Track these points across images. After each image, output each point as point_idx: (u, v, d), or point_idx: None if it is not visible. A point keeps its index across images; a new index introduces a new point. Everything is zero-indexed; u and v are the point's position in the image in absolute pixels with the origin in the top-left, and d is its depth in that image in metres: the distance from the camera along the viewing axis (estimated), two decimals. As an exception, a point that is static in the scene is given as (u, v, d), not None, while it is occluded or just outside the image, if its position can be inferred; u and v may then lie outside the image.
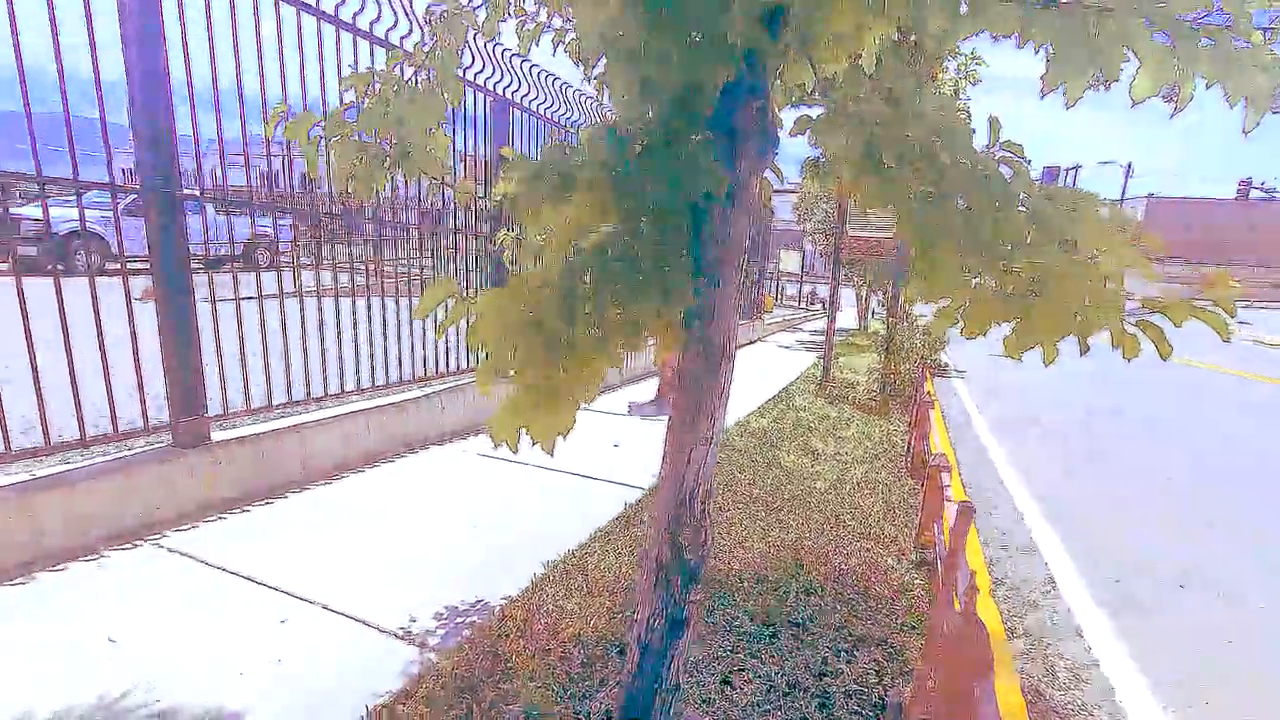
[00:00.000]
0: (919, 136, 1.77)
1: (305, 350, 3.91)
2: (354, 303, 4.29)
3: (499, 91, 5.22)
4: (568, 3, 1.49)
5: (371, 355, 4.42)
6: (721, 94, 1.67)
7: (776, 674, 2.33)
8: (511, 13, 2.16)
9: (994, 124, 1.69)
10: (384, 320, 4.46)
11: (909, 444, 5.21)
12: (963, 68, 4.25)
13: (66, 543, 2.82)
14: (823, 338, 13.54)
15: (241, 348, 3.57)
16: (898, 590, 3.06)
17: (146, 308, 3.15)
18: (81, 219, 2.75)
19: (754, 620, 2.68)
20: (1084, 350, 1.61)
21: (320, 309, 3.99)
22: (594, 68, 2.00)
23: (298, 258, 4.18)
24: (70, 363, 2.84)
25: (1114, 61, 1.45)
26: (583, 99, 6.24)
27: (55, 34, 2.61)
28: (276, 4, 3.43)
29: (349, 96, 1.98)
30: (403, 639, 2.42)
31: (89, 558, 2.84)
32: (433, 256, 5.06)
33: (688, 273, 1.68)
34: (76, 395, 2.91)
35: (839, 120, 1.79)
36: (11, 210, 9.56)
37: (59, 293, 2.80)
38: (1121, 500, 4.77)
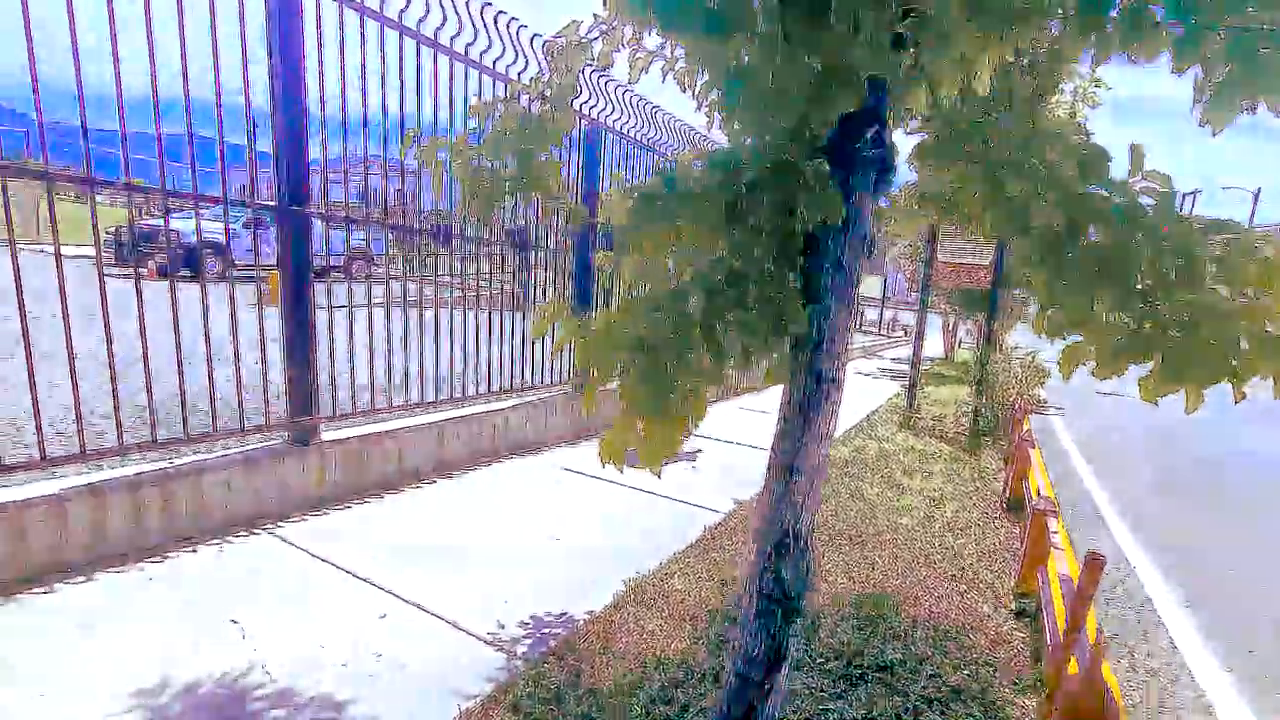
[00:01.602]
0: (1047, 164, 1.70)
1: (407, 358, 4.14)
2: (452, 315, 4.51)
3: (590, 114, 5.39)
4: (693, 39, 1.53)
5: (465, 365, 4.62)
6: (839, 121, 1.66)
7: (863, 719, 2.23)
8: (624, 43, 2.24)
9: (1136, 152, 1.59)
10: (476, 332, 4.66)
11: (1006, 484, 4.91)
12: (1081, 90, 3.99)
13: (195, 526, 3.09)
14: (905, 366, 12.99)
15: (350, 354, 3.82)
16: (995, 641, 2.87)
17: (257, 313, 3.42)
18: (226, 231, 3.05)
19: (839, 659, 2.58)
20: (1239, 398, 1.48)
21: (421, 319, 4.22)
22: (706, 96, 2.04)
23: (392, 270, 4.44)
24: (209, 362, 3.13)
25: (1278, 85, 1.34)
26: (672, 122, 6.35)
27: (219, 83, 2.93)
28: (400, 39, 3.70)
29: (472, 123, 2.11)
30: (491, 645, 2.49)
31: (213, 542, 3.10)
32: (519, 273, 5.24)
33: (799, 300, 1.67)
34: (212, 392, 3.20)
35: (960, 147, 1.74)
36: (150, 223, 10.59)
37: (204, 298, 3.10)
38: (1252, 557, 4.28)
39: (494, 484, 4.38)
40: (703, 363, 1.61)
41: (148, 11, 2.69)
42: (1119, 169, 1.61)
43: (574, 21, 2.09)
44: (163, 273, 10.13)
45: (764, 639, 1.55)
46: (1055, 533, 3.00)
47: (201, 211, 3.10)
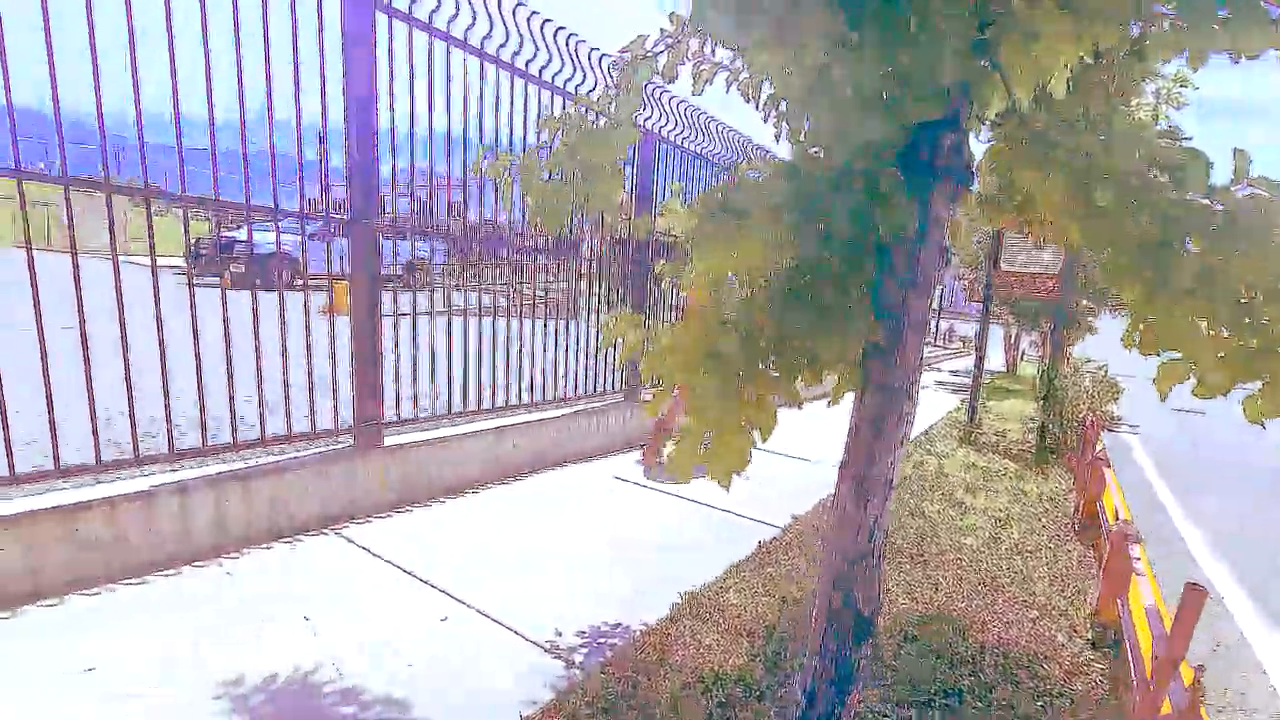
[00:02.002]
0: (1136, 170, 1.62)
1: (465, 366, 4.25)
2: (509, 324, 4.60)
3: (645, 125, 5.43)
4: (768, 53, 1.52)
5: (520, 374, 4.71)
6: (914, 129, 1.62)
7: (934, 747, 2.15)
8: (689, 55, 2.25)
9: (1239, 157, 1.50)
10: (531, 341, 4.74)
11: (1078, 505, 4.66)
12: (1165, 91, 3.75)
13: (270, 525, 3.23)
14: (963, 378, 12.52)
15: (414, 362, 3.95)
16: (1071, 671, 2.72)
17: (321, 321, 3.55)
18: (303, 243, 3.20)
19: (904, 684, 2.49)
20: (1362, 420, 1.36)
21: (480, 328, 4.32)
22: (774, 107, 2.03)
23: (451, 279, 4.56)
24: (285, 369, 3.28)
25: None
26: (725, 132, 6.33)
27: (299, 108, 3.10)
28: (467, 60, 3.82)
29: (540, 138, 2.16)
30: (549, 652, 2.51)
31: (285, 540, 3.24)
32: (575, 283, 5.31)
33: (871, 312, 1.63)
34: (287, 398, 3.36)
35: (1039, 153, 1.68)
36: (226, 235, 11.24)
37: (281, 307, 3.26)
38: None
39: (548, 491, 4.42)
40: (772, 374, 1.59)
41: (238, 49, 2.87)
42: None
43: (640, 36, 2.12)
44: (236, 282, 10.71)
45: (834, 658, 1.51)
46: (1138, 559, 2.83)
47: (266, 224, 3.26)
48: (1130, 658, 2.50)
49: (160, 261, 2.80)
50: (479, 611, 2.75)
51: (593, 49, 4.58)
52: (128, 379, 2.80)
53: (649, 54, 2.19)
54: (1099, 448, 4.71)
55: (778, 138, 2.07)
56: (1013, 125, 1.80)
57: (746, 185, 1.75)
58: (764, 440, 1.57)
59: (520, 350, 4.66)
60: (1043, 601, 3.33)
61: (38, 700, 2.04)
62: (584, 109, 2.10)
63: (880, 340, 1.59)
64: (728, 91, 2.30)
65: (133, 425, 2.86)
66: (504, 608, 2.80)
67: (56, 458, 2.66)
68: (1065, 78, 1.69)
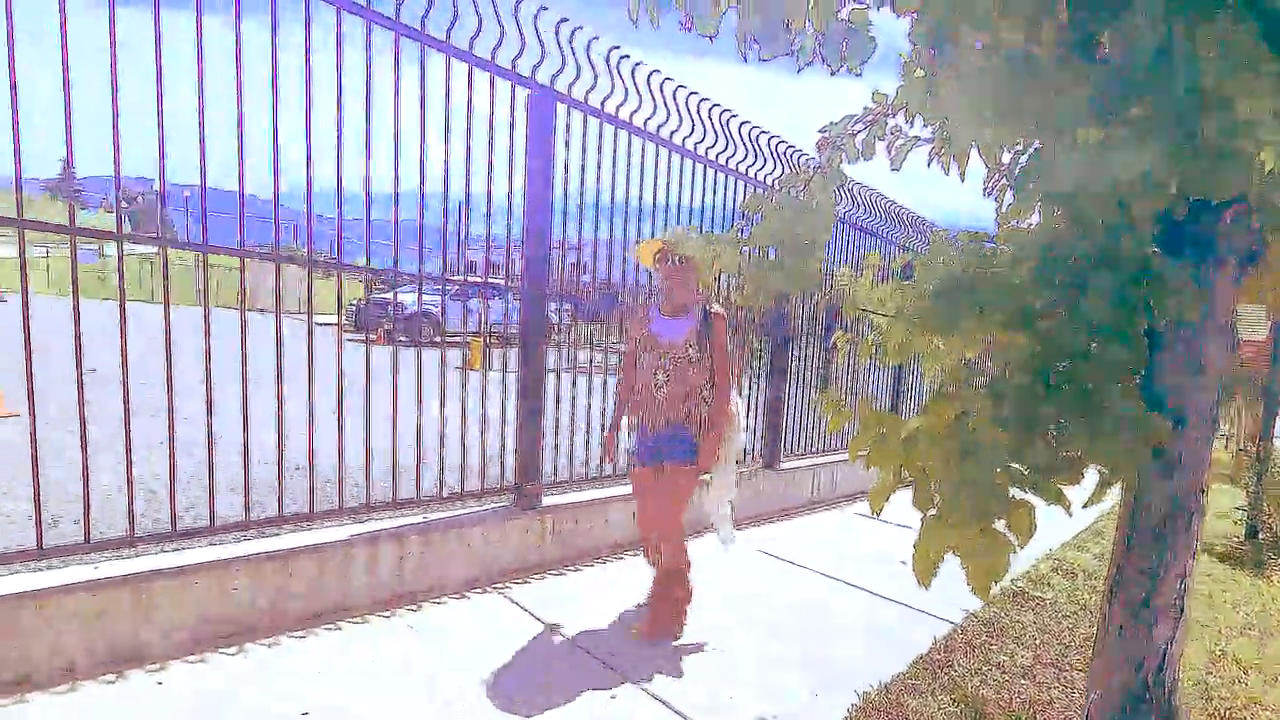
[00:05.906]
0: None
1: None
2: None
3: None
4: (1014, 131, 1.45)
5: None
6: (1195, 202, 1.47)
7: None
8: (889, 132, 2.22)
9: None
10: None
11: (1334, 625, 3.85)
12: None
13: (442, 578, 3.38)
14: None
15: (572, 421, 4.07)
16: None
17: (465, 375, 3.72)
18: (483, 301, 3.45)
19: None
20: None
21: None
22: (995, 180, 1.94)
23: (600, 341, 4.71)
24: (464, 429, 3.50)
25: None
26: (875, 199, 6.21)
27: (490, 193, 3.41)
28: (655, 148, 4.06)
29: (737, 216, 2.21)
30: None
31: (454, 595, 3.36)
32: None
33: (1143, 405, 1.45)
34: (464, 456, 3.56)
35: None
36: (380, 297, 12.42)
37: (484, 378, 3.49)
38: None
39: (694, 563, 4.29)
40: (1027, 471, 1.44)
41: (446, 141, 3.23)
42: None
43: (847, 116, 2.13)
44: (389, 339, 11.80)
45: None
46: None
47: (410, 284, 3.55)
48: None
49: (319, 319, 3.03)
50: (651, 694, 2.66)
51: (759, 129, 4.72)
52: (340, 439, 3.08)
53: (852, 132, 2.19)
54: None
55: (1000, 206, 1.97)
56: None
57: (984, 261, 1.66)
58: (1022, 546, 1.41)
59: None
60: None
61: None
62: (791, 184, 2.11)
63: (1163, 440, 1.40)
64: (929, 165, 2.23)
65: (340, 483, 3.15)
66: (670, 691, 2.69)
67: (280, 508, 2.96)
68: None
